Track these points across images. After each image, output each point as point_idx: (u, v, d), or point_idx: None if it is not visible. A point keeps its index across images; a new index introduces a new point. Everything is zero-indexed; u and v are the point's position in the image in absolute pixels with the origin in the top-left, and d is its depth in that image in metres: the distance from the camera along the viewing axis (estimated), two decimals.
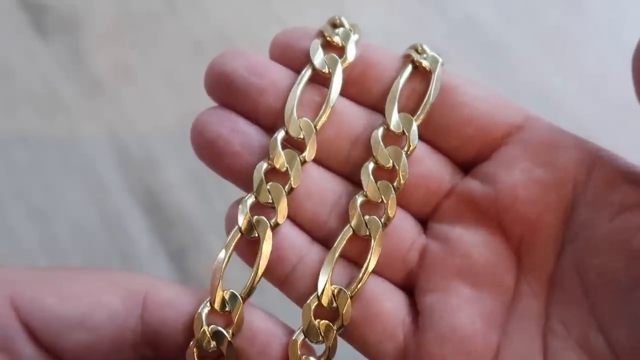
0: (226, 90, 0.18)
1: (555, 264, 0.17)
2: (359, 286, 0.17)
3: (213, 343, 0.17)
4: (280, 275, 0.18)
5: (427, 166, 0.18)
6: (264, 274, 0.17)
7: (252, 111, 0.18)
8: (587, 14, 0.36)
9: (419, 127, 0.18)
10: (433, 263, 0.18)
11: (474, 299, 0.17)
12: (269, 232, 0.17)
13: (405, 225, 0.19)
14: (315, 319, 0.17)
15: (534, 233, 0.18)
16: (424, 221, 0.19)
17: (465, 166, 0.19)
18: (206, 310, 0.17)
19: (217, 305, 0.17)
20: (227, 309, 0.17)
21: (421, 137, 0.19)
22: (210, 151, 0.18)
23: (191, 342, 0.16)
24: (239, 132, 0.18)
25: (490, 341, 0.17)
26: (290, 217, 0.18)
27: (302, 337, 0.17)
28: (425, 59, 0.19)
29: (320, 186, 0.18)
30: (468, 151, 0.19)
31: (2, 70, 0.33)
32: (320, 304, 0.17)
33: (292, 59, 0.19)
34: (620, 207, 0.16)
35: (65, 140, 0.31)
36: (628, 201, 0.16)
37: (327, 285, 0.17)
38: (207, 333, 0.16)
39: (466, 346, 0.17)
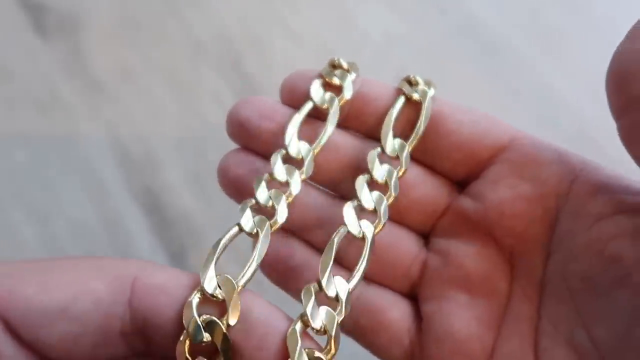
0: (244, 135, 0.21)
1: (544, 270, 0.19)
2: (355, 278, 0.17)
3: (206, 335, 0.15)
4: (277, 272, 0.20)
5: (423, 190, 0.21)
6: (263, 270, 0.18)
7: (267, 150, 0.21)
8: (587, 14, 0.36)
9: (412, 151, 0.20)
10: (432, 274, 0.20)
11: (469, 304, 0.19)
12: (267, 228, 0.17)
13: (407, 242, 0.21)
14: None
15: (523, 243, 0.19)
16: (427, 236, 0.21)
17: (461, 184, 0.21)
18: (198, 297, 0.15)
19: (207, 288, 0.15)
20: (220, 295, 0.15)
21: (419, 161, 0.21)
22: (234, 189, 0.21)
23: (182, 335, 0.15)
24: (256, 172, 0.20)
25: (485, 342, 0.19)
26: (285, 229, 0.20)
27: (301, 326, 0.15)
28: (416, 91, 0.21)
29: (311, 206, 0.21)
30: (460, 172, 0.21)
31: (2, 70, 0.33)
32: (322, 292, 0.17)
33: (299, 99, 0.21)
34: (597, 216, 0.17)
35: (65, 140, 0.31)
36: (604, 210, 0.17)
37: (328, 273, 0.17)
38: (199, 323, 0.15)
39: (462, 347, 0.19)
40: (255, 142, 0.21)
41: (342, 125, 0.21)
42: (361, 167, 0.20)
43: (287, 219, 0.18)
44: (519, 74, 0.34)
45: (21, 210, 0.30)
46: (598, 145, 0.31)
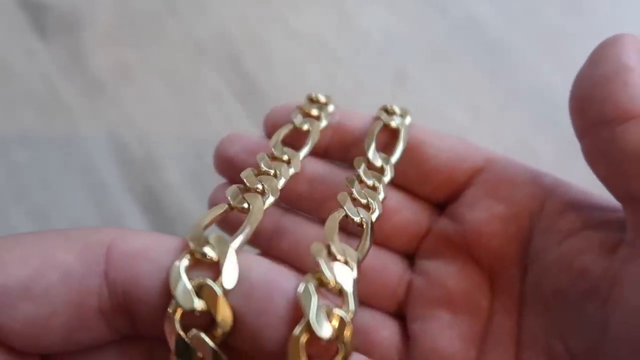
0: (232, 171, 0.22)
1: (521, 285, 0.19)
2: (367, 242, 0.17)
3: (199, 302, 0.12)
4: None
5: (405, 215, 0.22)
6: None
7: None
8: (587, 14, 0.36)
9: (394, 164, 0.21)
10: (417, 294, 0.21)
11: (452, 322, 0.20)
12: (260, 202, 0.16)
13: (393, 265, 0.22)
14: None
15: (500, 261, 0.20)
16: (412, 257, 0.22)
17: (441, 206, 0.22)
18: (187, 259, 0.12)
19: (196, 246, 0.12)
20: (213, 256, 0.13)
21: (400, 186, 0.22)
22: (226, 222, 0.22)
23: (170, 305, 0.12)
24: None
25: (469, 358, 0.20)
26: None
27: (314, 282, 0.13)
28: (393, 120, 0.22)
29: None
30: (439, 195, 0.22)
31: (2, 70, 0.33)
32: (330, 253, 0.15)
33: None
34: (567, 232, 0.18)
35: (65, 140, 0.31)
36: (573, 227, 0.18)
37: (335, 236, 0.15)
38: (190, 288, 0.12)
39: None
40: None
41: (323, 155, 0.23)
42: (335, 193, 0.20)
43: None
44: (519, 74, 0.34)
45: (21, 210, 0.30)
46: None
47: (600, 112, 0.16)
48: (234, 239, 0.14)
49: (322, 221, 0.20)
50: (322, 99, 0.23)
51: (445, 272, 0.21)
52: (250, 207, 0.16)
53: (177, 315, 0.12)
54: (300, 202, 0.22)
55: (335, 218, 0.17)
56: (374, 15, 0.35)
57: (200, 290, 0.12)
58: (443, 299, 0.20)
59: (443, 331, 0.20)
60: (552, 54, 0.34)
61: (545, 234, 0.19)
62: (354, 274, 0.14)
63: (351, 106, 0.24)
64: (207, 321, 0.12)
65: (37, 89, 0.32)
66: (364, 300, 0.21)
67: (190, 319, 0.12)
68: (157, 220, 0.30)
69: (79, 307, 0.13)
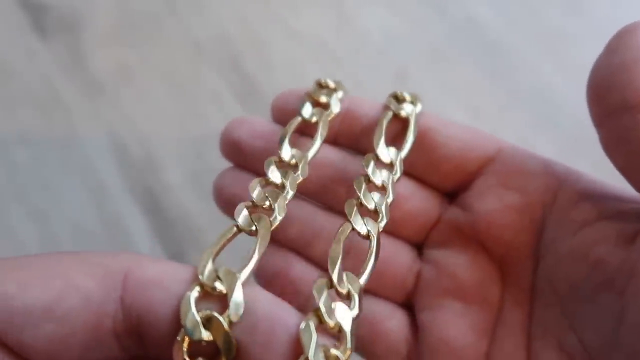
0: (237, 154, 0.22)
1: (533, 276, 0.19)
2: (365, 274, 0.17)
3: (205, 333, 0.13)
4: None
5: (414, 203, 0.21)
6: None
7: (261, 168, 0.20)
8: (587, 14, 0.36)
9: (404, 159, 0.21)
10: (426, 284, 0.21)
11: (463, 313, 0.20)
12: (267, 223, 0.16)
13: (402, 254, 0.21)
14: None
15: (512, 252, 0.20)
16: (420, 247, 0.22)
17: (451, 195, 0.22)
18: (197, 291, 0.14)
19: (205, 279, 0.14)
20: (221, 289, 0.14)
21: (409, 174, 0.21)
22: (229, 207, 0.21)
23: (179, 333, 0.13)
24: None
25: (479, 349, 0.19)
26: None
27: (315, 320, 0.14)
28: (403, 108, 0.22)
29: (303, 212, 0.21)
30: (449, 184, 0.21)
31: (2, 70, 0.33)
32: (332, 286, 0.16)
33: (289, 118, 0.22)
34: (581, 223, 0.18)
35: (65, 140, 0.31)
36: (588, 217, 0.18)
37: (338, 268, 0.16)
38: (198, 320, 0.13)
39: (458, 355, 0.19)
40: (248, 161, 0.22)
41: (332, 142, 0.22)
42: (349, 180, 0.21)
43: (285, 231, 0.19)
44: (519, 74, 0.34)
45: (21, 210, 0.30)
46: (597, 145, 0.31)
47: (621, 98, 0.16)
48: (242, 270, 0.14)
49: (329, 208, 0.22)
50: (332, 84, 0.23)
51: (455, 262, 0.20)
52: (258, 230, 0.16)
53: (185, 343, 0.13)
54: (308, 188, 0.22)
55: (339, 242, 0.17)
56: (373, 15, 0.35)
57: (208, 322, 0.13)
58: (453, 290, 0.20)
59: (453, 322, 0.20)
60: (553, 54, 0.34)
61: (559, 224, 0.19)
62: (353, 312, 0.15)
63: None
64: (213, 350, 0.13)
65: (37, 89, 0.32)
66: (371, 288, 0.21)
67: (198, 347, 0.13)
68: (157, 221, 0.30)
69: (96, 329, 0.14)
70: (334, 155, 0.22)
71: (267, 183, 0.19)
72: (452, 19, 0.35)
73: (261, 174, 0.20)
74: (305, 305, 0.19)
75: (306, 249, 0.21)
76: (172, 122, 0.32)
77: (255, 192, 0.18)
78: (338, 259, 0.16)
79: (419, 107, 0.22)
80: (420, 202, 0.21)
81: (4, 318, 0.13)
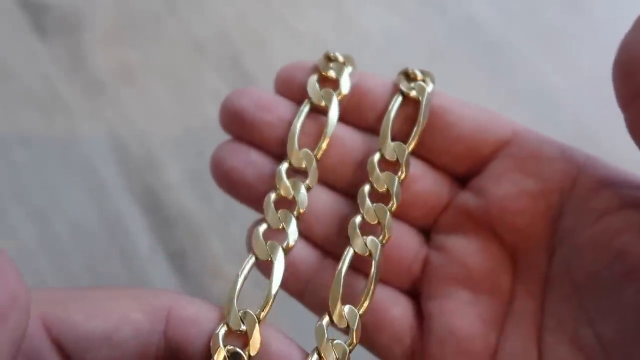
0: (239, 126, 0.21)
1: (548, 266, 0.18)
2: (365, 305, 0.18)
3: None
4: (295, 289, 0.20)
5: (424, 185, 0.20)
6: (282, 287, 0.18)
7: (262, 142, 0.20)
8: (587, 13, 0.36)
9: (411, 152, 0.20)
10: (433, 271, 0.20)
11: (471, 302, 0.19)
12: (280, 255, 0.18)
13: (408, 239, 0.20)
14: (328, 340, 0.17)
15: (526, 240, 0.19)
16: (428, 232, 0.21)
17: (462, 179, 0.21)
18: (224, 330, 0.17)
19: (232, 324, 0.17)
20: (243, 329, 0.17)
21: (419, 156, 0.20)
22: (227, 181, 0.21)
23: None
24: (251, 164, 0.20)
25: (488, 341, 0.18)
26: (304, 237, 0.20)
27: (316, 357, 0.17)
28: (413, 88, 0.21)
29: (328, 208, 0.20)
30: (461, 167, 0.20)
31: (2, 70, 0.33)
32: (332, 322, 0.18)
33: (294, 91, 0.21)
34: (602, 211, 0.17)
35: (65, 140, 0.31)
36: (609, 205, 0.17)
37: (338, 306, 0.18)
38: (225, 354, 0.16)
39: (465, 346, 0.18)
40: (250, 134, 0.20)
41: (341, 119, 0.21)
42: (364, 162, 0.20)
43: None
44: (519, 74, 0.34)
45: (21, 210, 0.30)
46: (598, 145, 0.31)
47: None
48: (260, 312, 0.17)
49: (332, 187, 0.21)
50: (340, 58, 0.21)
51: (465, 249, 0.19)
52: (273, 261, 0.18)
53: None
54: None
55: (339, 281, 0.18)
56: (374, 15, 0.35)
57: (232, 356, 0.16)
58: (462, 278, 0.19)
59: (461, 311, 0.19)
60: (552, 54, 0.34)
61: (578, 212, 0.18)
62: (351, 346, 0.17)
63: None
64: None
65: (37, 89, 0.32)
66: None
67: None
68: (157, 220, 0.30)
69: (142, 355, 0.16)
70: (343, 132, 0.21)
71: (279, 196, 0.20)
72: (452, 19, 0.35)
73: (262, 148, 0.20)
74: (306, 287, 0.20)
75: (310, 230, 0.20)
76: (172, 121, 0.32)
77: (269, 212, 0.19)
78: (337, 295, 0.18)
79: (430, 87, 0.21)
80: (430, 184, 0.20)
81: (73, 341, 0.16)
